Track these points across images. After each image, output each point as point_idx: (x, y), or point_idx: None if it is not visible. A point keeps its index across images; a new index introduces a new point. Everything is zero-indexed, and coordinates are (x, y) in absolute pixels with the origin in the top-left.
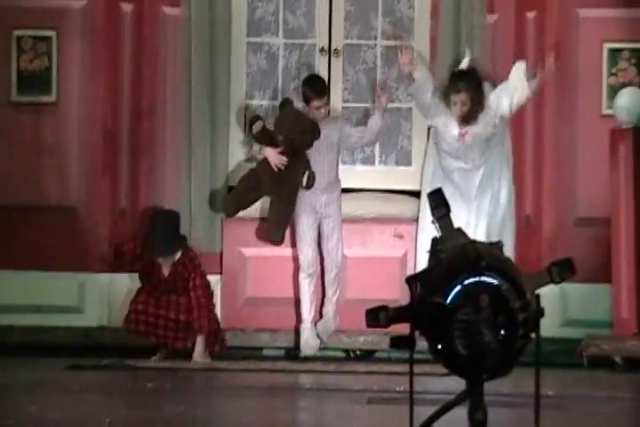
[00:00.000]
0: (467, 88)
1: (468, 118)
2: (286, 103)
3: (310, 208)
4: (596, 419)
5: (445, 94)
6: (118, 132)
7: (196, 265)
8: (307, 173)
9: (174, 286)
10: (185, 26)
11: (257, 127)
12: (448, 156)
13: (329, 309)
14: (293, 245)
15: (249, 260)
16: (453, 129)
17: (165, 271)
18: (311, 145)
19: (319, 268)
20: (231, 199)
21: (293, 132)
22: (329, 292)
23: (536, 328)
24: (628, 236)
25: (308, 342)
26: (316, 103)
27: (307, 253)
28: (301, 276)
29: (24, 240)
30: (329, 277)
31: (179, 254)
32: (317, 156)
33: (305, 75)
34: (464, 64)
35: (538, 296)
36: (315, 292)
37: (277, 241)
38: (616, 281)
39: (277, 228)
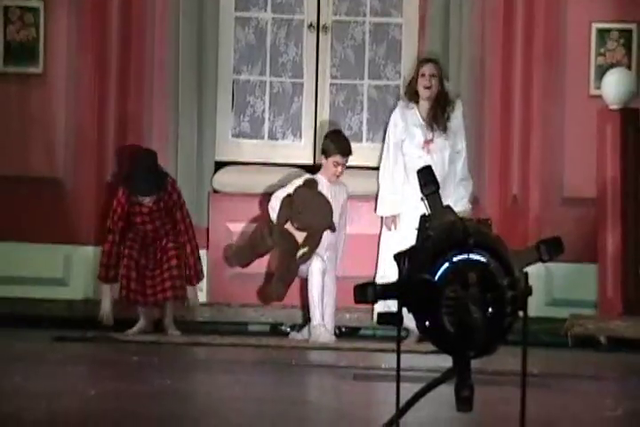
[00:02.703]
0: (435, 63)
1: (435, 115)
2: (311, 184)
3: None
4: (581, 398)
5: (412, 84)
6: (105, 104)
7: (179, 197)
8: (306, 247)
9: (160, 219)
10: None
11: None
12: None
13: (327, 318)
14: None
15: (235, 235)
16: (418, 134)
17: (149, 203)
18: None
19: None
20: (240, 253)
21: (315, 219)
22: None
23: (524, 306)
24: (614, 216)
25: (321, 339)
26: (338, 159)
27: (319, 250)
28: (316, 270)
29: (9, 211)
30: (329, 287)
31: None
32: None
33: (293, 51)
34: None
35: (526, 274)
36: (322, 290)
37: (280, 299)
38: (601, 261)
39: (281, 284)
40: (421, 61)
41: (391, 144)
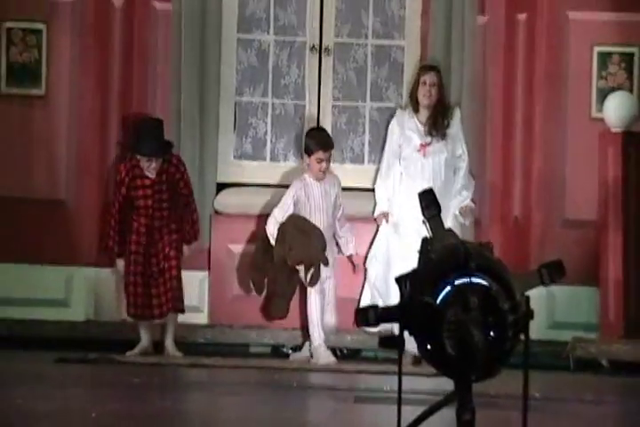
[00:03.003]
0: (436, 71)
1: (434, 122)
2: (294, 218)
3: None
4: (582, 422)
5: (412, 91)
6: (107, 125)
7: (185, 169)
8: (311, 270)
9: (160, 193)
10: (175, 21)
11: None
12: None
13: (315, 340)
14: None
15: (237, 256)
16: (416, 138)
17: (152, 174)
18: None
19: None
20: (257, 282)
21: (305, 254)
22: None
23: (525, 330)
24: (615, 238)
25: (322, 360)
26: (320, 155)
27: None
28: (313, 291)
29: (11, 232)
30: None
31: (161, 159)
32: (318, 214)
33: (295, 73)
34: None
35: (527, 298)
36: (321, 311)
37: (282, 317)
38: (603, 284)
39: (283, 304)
40: (422, 69)
41: (387, 151)
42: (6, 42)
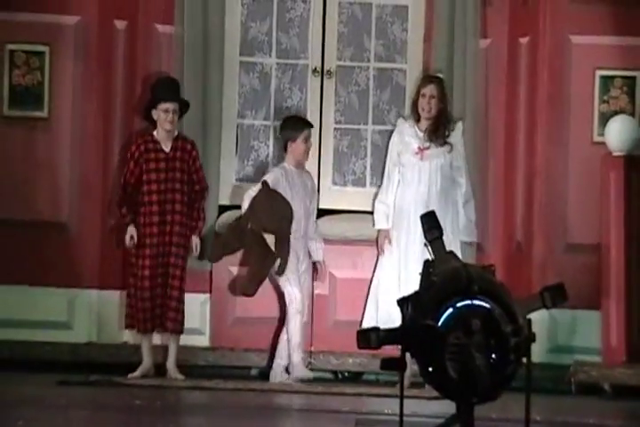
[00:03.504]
0: (437, 82)
1: (435, 131)
2: (267, 187)
3: (292, 251)
4: None
5: (413, 100)
6: (110, 148)
7: (198, 151)
8: (279, 259)
9: (174, 171)
10: (178, 44)
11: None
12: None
13: (295, 358)
14: None
15: (238, 279)
16: (414, 143)
17: (166, 148)
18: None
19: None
20: (216, 247)
21: (273, 223)
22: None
23: (527, 353)
24: (617, 263)
25: (302, 374)
26: (306, 134)
27: (296, 294)
28: (294, 313)
29: (14, 255)
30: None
31: (175, 132)
32: (298, 201)
33: (297, 96)
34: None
35: (529, 321)
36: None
37: (249, 294)
38: (605, 308)
39: (252, 282)
40: (423, 80)
41: (388, 161)
42: (9, 64)
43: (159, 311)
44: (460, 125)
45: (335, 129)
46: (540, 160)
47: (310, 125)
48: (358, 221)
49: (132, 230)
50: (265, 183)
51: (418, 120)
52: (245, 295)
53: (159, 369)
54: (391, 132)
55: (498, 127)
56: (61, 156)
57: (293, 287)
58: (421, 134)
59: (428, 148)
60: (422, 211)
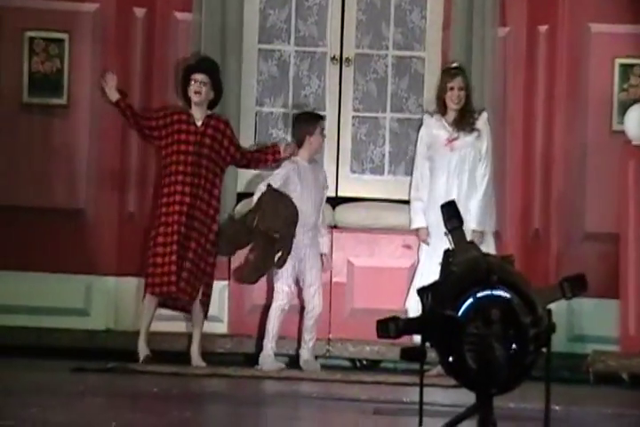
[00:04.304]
0: (462, 74)
1: (462, 119)
2: (273, 193)
3: (296, 247)
4: None
5: (439, 95)
6: (128, 135)
7: (232, 130)
8: (280, 252)
9: (202, 146)
10: (196, 31)
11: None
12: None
13: (305, 352)
14: None
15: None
16: (443, 134)
17: (198, 122)
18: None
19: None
20: (226, 243)
21: (278, 224)
22: (306, 336)
23: (547, 343)
24: (636, 251)
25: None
26: (323, 125)
27: (284, 288)
28: (276, 307)
29: (32, 242)
30: (307, 323)
31: (209, 111)
32: (307, 195)
33: (316, 83)
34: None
35: (549, 311)
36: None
37: (250, 283)
38: (623, 297)
39: (254, 273)
40: (447, 74)
41: (419, 156)
42: (28, 52)
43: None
44: (485, 114)
45: (353, 117)
46: (558, 148)
47: (322, 118)
48: (376, 209)
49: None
50: (269, 186)
51: (444, 113)
52: (247, 283)
53: (180, 356)
54: (409, 120)
55: (516, 116)
56: (79, 143)
57: (283, 284)
58: (449, 127)
59: (456, 138)
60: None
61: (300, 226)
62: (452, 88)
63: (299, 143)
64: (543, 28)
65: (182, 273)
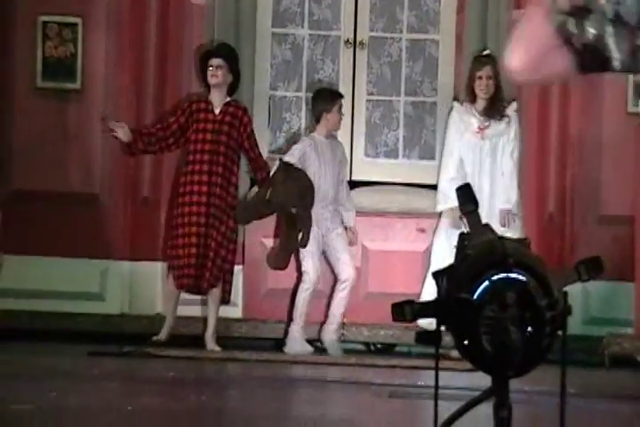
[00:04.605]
0: (491, 62)
1: (491, 107)
2: (287, 168)
3: (314, 221)
4: (618, 418)
5: (468, 83)
6: (142, 119)
7: (249, 118)
8: (302, 231)
9: (220, 133)
10: (210, 15)
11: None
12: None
13: (329, 333)
14: None
15: (271, 252)
16: (474, 122)
17: (216, 110)
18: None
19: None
20: (242, 210)
21: (291, 198)
22: (336, 310)
23: (563, 326)
24: None
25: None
26: (340, 102)
27: (311, 266)
28: (304, 288)
29: (46, 226)
30: (340, 295)
31: (228, 98)
32: (325, 170)
33: (330, 67)
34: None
35: (565, 294)
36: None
37: (281, 268)
38: (639, 279)
39: (282, 256)
40: (477, 62)
41: (449, 141)
42: (42, 36)
43: (199, 273)
44: (515, 104)
45: (367, 101)
46: (573, 131)
47: (342, 96)
48: (390, 193)
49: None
50: (281, 161)
51: (473, 101)
52: (278, 269)
53: (195, 340)
54: (423, 104)
55: (531, 99)
56: (93, 127)
57: (308, 265)
58: (480, 115)
59: (487, 126)
60: (486, 189)
61: (318, 200)
62: (480, 77)
63: (316, 119)
64: None
65: (203, 263)
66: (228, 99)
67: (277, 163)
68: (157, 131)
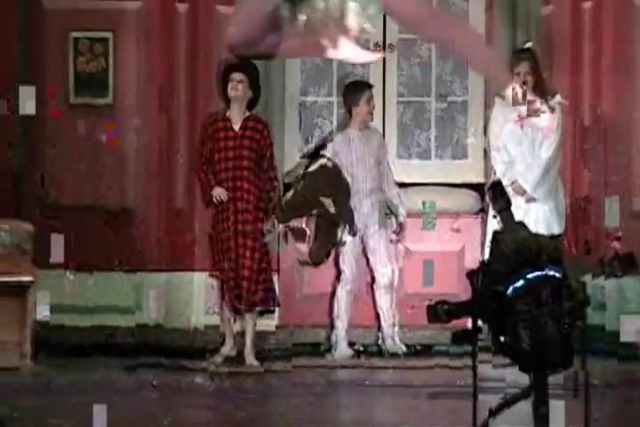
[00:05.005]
0: (529, 58)
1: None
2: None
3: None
4: None
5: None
6: (174, 132)
7: (269, 133)
8: (344, 223)
9: (241, 148)
10: None
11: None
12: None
13: (389, 333)
14: None
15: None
16: (514, 114)
17: (236, 126)
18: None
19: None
20: (280, 209)
21: (325, 190)
22: (386, 310)
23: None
24: None
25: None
26: (368, 94)
27: (348, 263)
28: (342, 288)
29: (81, 241)
30: (383, 297)
31: (247, 112)
32: (359, 162)
33: (360, 71)
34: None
35: (584, 284)
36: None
37: (318, 263)
38: None
39: (320, 250)
40: (515, 57)
41: (491, 132)
42: (73, 51)
43: (238, 291)
44: (558, 96)
45: (398, 102)
46: (606, 125)
47: (370, 86)
48: (424, 194)
49: (219, 191)
50: (310, 156)
51: None
52: (314, 265)
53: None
54: (454, 104)
55: (563, 94)
56: (126, 141)
57: (346, 266)
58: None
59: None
60: (531, 181)
61: (354, 193)
62: (517, 73)
63: (348, 113)
64: (587, 5)
65: (245, 283)
66: (248, 113)
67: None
68: (205, 167)
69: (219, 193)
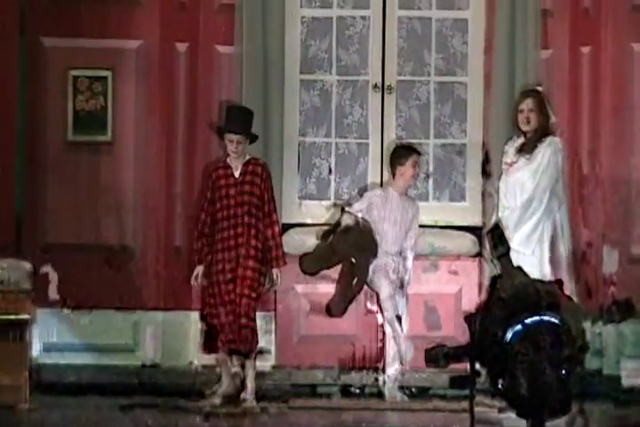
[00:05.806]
0: (534, 96)
1: (528, 143)
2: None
3: (385, 272)
4: None
5: (513, 117)
6: (173, 170)
7: (269, 176)
8: (358, 278)
9: (242, 194)
10: (238, 64)
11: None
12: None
13: (390, 379)
14: None
15: (303, 297)
16: (507, 158)
17: (236, 172)
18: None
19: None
20: (308, 260)
21: (355, 251)
22: (389, 359)
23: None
24: None
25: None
26: (415, 158)
27: (388, 296)
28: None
29: (80, 279)
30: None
31: (247, 156)
32: (390, 224)
33: (358, 112)
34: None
35: (583, 331)
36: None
37: (339, 314)
38: None
39: (341, 303)
40: (520, 95)
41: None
42: (73, 90)
43: (233, 336)
44: (550, 139)
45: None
46: (605, 171)
47: (419, 152)
48: (422, 236)
49: (199, 269)
50: (348, 212)
51: (519, 135)
52: (336, 316)
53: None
54: (453, 146)
55: (561, 138)
56: (125, 179)
57: (386, 295)
58: (515, 150)
59: (515, 162)
60: (509, 225)
61: (382, 252)
62: (521, 111)
63: (392, 174)
64: (586, 50)
65: (238, 329)
66: (248, 157)
67: (343, 212)
68: (207, 220)
69: (197, 273)
